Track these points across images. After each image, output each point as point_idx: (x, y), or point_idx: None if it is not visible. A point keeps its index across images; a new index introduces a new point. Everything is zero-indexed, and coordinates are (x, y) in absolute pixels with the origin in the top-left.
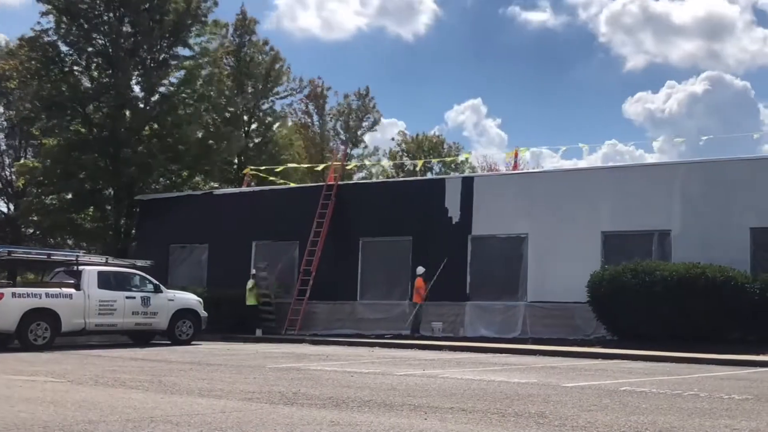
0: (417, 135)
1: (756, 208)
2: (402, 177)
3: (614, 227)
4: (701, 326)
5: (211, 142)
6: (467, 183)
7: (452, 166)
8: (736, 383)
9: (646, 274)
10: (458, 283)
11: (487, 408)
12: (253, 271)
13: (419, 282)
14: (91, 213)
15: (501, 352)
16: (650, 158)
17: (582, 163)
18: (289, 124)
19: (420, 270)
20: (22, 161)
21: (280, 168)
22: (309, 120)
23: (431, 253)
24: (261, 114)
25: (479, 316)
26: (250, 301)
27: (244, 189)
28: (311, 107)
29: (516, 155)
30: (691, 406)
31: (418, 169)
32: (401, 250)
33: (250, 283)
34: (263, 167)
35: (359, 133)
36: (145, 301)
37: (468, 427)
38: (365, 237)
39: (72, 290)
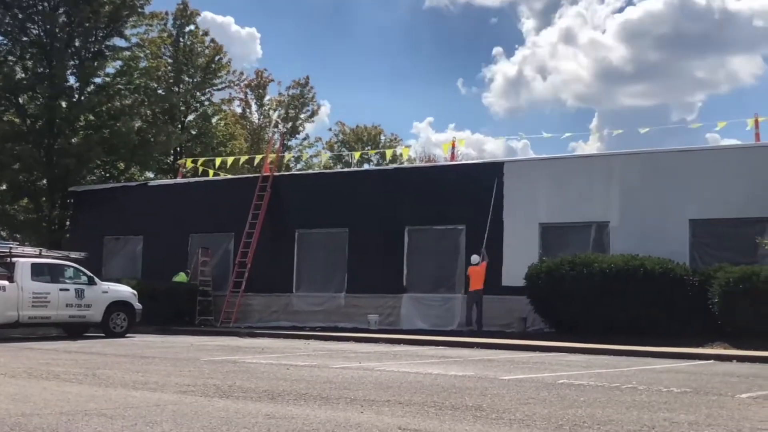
0: (357, 126)
1: (695, 199)
2: (339, 168)
3: (552, 219)
4: (640, 319)
5: (149, 136)
6: (399, 174)
7: (391, 157)
8: (674, 376)
9: (584, 267)
10: (395, 275)
11: (423, 401)
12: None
13: (483, 268)
14: (25, 204)
15: (438, 345)
16: (588, 149)
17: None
18: (227, 111)
19: (475, 258)
20: None
21: (216, 159)
22: (248, 109)
23: (368, 245)
24: (199, 105)
25: (416, 309)
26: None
27: (179, 180)
28: (250, 96)
29: (453, 146)
30: (629, 399)
31: (355, 160)
32: (337, 242)
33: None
34: (199, 158)
35: (298, 123)
36: (79, 294)
37: (404, 421)
38: (301, 229)
39: (5, 282)
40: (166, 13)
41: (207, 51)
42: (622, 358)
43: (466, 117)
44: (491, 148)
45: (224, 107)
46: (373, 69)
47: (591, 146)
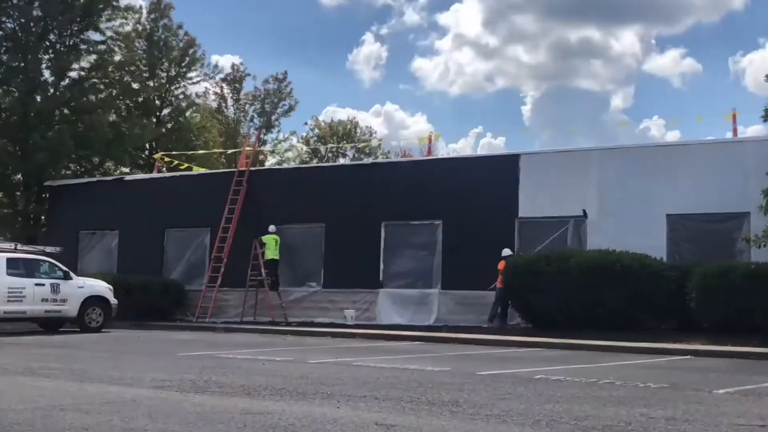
0: (332, 120)
1: (672, 194)
2: (315, 163)
3: (529, 214)
4: (617, 314)
5: (123, 129)
6: (375, 169)
7: (365, 150)
8: (652, 371)
9: (560, 262)
10: (371, 269)
11: (400, 396)
12: (272, 228)
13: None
14: None
15: (415, 340)
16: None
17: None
18: (201, 105)
19: (506, 252)
20: None
21: (192, 153)
22: (224, 104)
23: (344, 240)
24: (174, 99)
25: (393, 304)
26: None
27: (155, 175)
28: (226, 90)
29: (430, 140)
30: (606, 394)
31: (329, 153)
32: (314, 237)
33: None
34: (175, 153)
35: (274, 118)
36: (55, 288)
37: (381, 416)
38: (278, 224)
39: None
40: (140, 7)
41: (181, 44)
42: (600, 353)
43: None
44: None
45: (198, 101)
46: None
47: None
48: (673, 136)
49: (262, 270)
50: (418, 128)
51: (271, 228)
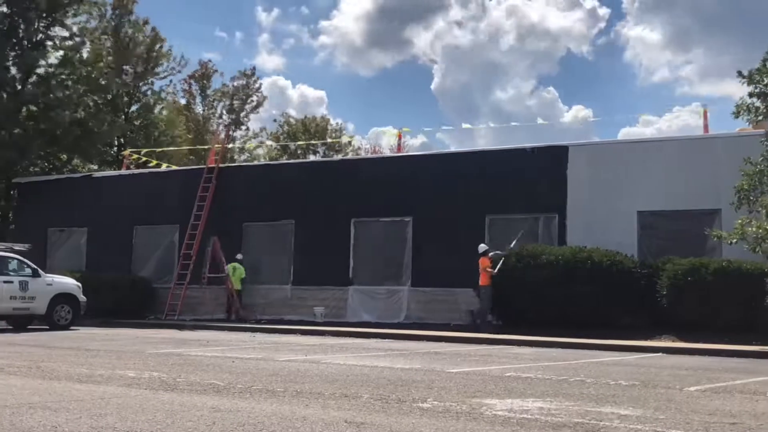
0: (304, 117)
1: (643, 191)
2: (285, 159)
3: (500, 211)
4: (588, 311)
5: (91, 124)
6: (345, 166)
7: (336, 147)
8: (623, 369)
9: (531, 258)
10: (341, 267)
11: (370, 394)
12: (239, 256)
13: (484, 261)
14: None
15: (385, 338)
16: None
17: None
18: (170, 101)
19: (482, 247)
20: None
21: (161, 150)
22: (192, 100)
23: (315, 237)
24: (141, 95)
25: (362, 301)
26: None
27: (123, 172)
28: (195, 87)
29: (400, 137)
30: (577, 392)
31: (298, 151)
32: (283, 234)
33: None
34: (143, 149)
35: (242, 115)
36: (23, 286)
37: (350, 414)
38: (248, 221)
39: None
40: (105, 3)
41: (147, 40)
42: (570, 350)
43: None
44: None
45: (167, 97)
46: None
47: None
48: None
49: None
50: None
51: (239, 256)
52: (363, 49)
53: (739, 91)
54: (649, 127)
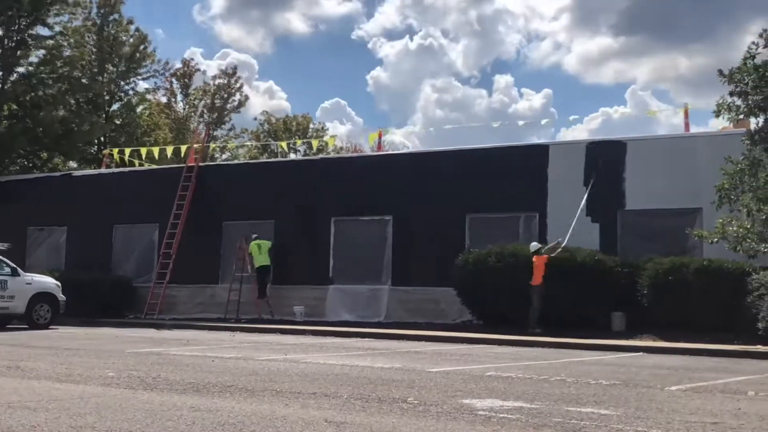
0: (285, 116)
1: (617, 191)
2: (266, 158)
3: (481, 209)
4: (569, 311)
5: (73, 125)
6: (325, 164)
7: (319, 147)
8: (604, 368)
9: (511, 258)
10: (321, 266)
11: (350, 393)
12: (255, 235)
13: (540, 260)
14: None
15: (365, 337)
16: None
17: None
18: (152, 101)
19: (534, 246)
20: None
21: (141, 149)
22: (173, 99)
23: (295, 235)
24: (123, 95)
25: (342, 300)
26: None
27: (103, 171)
28: (176, 86)
29: (380, 136)
30: (557, 391)
31: (278, 150)
32: (264, 234)
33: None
34: (124, 148)
35: (224, 113)
36: (2, 285)
37: (330, 413)
38: (228, 220)
39: None
40: (90, 2)
41: (131, 40)
42: (551, 350)
43: None
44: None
45: (149, 97)
46: None
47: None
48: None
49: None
50: None
51: (253, 236)
52: None
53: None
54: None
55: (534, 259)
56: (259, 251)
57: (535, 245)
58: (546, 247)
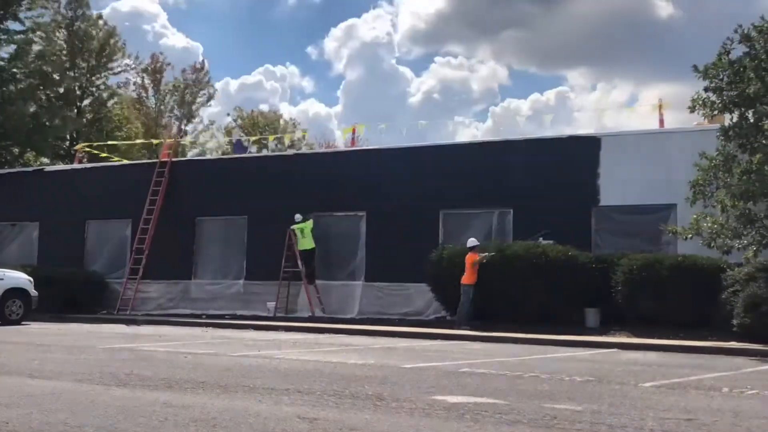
0: (252, 111)
1: (598, 186)
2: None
3: (454, 205)
4: (542, 307)
5: (44, 120)
6: (298, 160)
7: (291, 142)
8: (577, 365)
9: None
10: (294, 261)
11: (323, 390)
12: (298, 216)
13: (472, 257)
14: None
15: (338, 333)
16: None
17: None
18: (123, 96)
19: (472, 242)
20: None
21: (113, 144)
22: (144, 94)
23: (268, 232)
24: (95, 90)
25: (316, 296)
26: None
27: (75, 166)
28: (147, 81)
29: (354, 131)
30: (531, 388)
31: (250, 145)
32: (237, 229)
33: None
34: (96, 143)
35: (194, 108)
36: None
37: (303, 410)
38: (201, 216)
39: None
40: None
41: (101, 34)
42: (525, 346)
43: None
44: None
45: (120, 91)
46: None
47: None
48: None
49: (299, 261)
50: None
51: (297, 217)
52: None
53: None
54: None
55: (467, 256)
56: (302, 235)
57: (472, 241)
58: (484, 251)
